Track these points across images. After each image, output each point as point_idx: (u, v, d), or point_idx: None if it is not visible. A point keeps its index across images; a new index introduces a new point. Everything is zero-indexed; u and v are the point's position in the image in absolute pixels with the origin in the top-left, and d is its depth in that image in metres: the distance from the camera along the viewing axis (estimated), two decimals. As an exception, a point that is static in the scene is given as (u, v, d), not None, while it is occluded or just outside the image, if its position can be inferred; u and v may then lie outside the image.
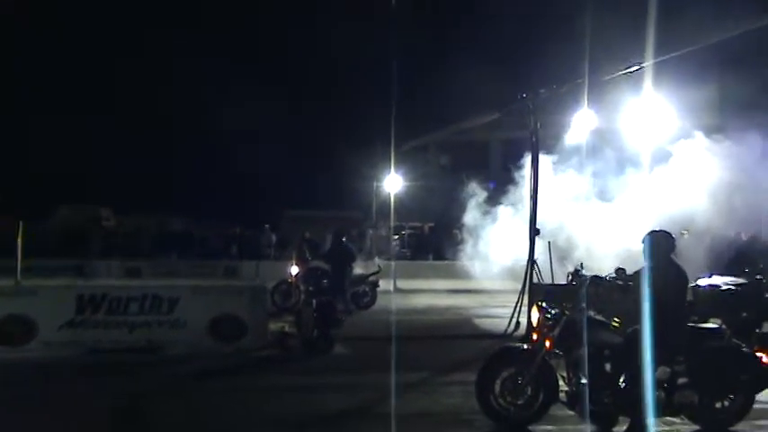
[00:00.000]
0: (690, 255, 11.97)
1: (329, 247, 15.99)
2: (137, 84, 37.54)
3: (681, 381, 6.81)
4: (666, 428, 7.00)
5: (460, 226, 19.41)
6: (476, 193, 18.33)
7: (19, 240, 13.99)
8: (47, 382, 8.97)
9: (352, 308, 14.94)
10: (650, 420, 6.55)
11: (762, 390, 6.98)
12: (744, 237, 14.73)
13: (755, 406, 7.00)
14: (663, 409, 6.81)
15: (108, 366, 9.88)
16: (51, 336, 10.47)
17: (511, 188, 16.81)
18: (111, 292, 10.95)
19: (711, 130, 15.72)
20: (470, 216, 17.99)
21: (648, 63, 12.17)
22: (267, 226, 27.10)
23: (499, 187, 18.04)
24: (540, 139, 13.35)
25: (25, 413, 7.51)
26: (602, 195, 15.95)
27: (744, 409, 6.94)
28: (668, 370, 6.77)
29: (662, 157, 15.11)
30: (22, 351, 10.18)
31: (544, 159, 15.29)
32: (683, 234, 13.66)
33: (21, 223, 14.34)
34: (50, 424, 7.22)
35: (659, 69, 12.82)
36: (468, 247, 18.53)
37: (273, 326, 12.16)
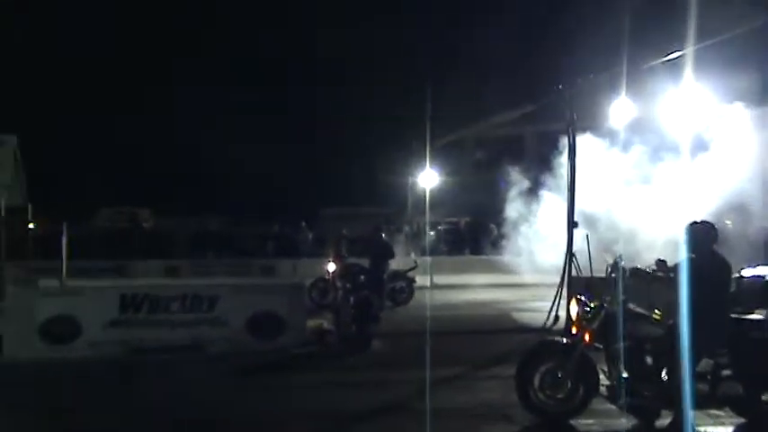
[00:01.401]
0: (735, 244, 11.66)
1: (367, 243, 16.03)
2: (167, 83, 37.91)
3: (724, 373, 6.70)
4: (710, 422, 6.90)
5: (501, 220, 19.21)
6: (515, 183, 18.12)
7: (64, 242, 14.32)
8: (90, 380, 9.20)
9: (387, 304, 14.96)
10: (693, 413, 6.45)
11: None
12: None
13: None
14: (706, 402, 6.72)
15: (149, 365, 10.06)
16: (96, 335, 10.67)
17: (549, 180, 16.55)
18: (152, 292, 11.10)
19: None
20: (509, 208, 17.80)
21: (687, 50, 11.91)
22: (304, 224, 27.24)
23: (537, 179, 17.76)
24: (576, 130, 13.19)
25: (69, 412, 7.71)
26: (646, 183, 15.48)
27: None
28: (711, 362, 6.67)
29: (705, 146, 14.65)
30: (69, 351, 10.39)
31: (591, 140, 14.93)
32: (726, 223, 13.31)
33: (65, 225, 14.70)
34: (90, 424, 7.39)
35: (699, 56, 12.49)
36: (505, 241, 18.36)
37: (311, 323, 12.23)
